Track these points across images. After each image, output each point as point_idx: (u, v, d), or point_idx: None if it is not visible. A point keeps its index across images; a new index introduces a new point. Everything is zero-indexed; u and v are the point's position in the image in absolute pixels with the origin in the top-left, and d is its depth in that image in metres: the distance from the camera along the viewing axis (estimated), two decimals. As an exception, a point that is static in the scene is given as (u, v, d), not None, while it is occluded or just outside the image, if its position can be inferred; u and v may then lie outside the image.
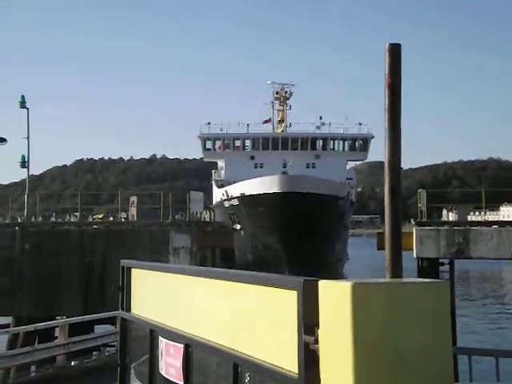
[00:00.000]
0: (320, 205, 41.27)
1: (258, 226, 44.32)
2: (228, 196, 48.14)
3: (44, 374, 17.02)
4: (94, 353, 19.83)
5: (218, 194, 54.58)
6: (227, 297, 3.97)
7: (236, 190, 47.13)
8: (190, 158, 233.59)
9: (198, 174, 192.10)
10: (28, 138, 33.37)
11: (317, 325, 2.94)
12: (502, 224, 24.13)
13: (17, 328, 23.03)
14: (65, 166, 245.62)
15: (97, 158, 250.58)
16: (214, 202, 58.05)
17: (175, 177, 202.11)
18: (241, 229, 46.19)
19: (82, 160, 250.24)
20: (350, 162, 62.79)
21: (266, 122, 64.35)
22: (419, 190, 27.58)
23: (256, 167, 58.82)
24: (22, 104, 33.88)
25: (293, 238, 40.87)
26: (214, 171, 63.70)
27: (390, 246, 4.17)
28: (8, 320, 26.34)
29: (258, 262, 42.10)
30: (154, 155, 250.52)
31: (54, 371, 17.11)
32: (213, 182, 62.80)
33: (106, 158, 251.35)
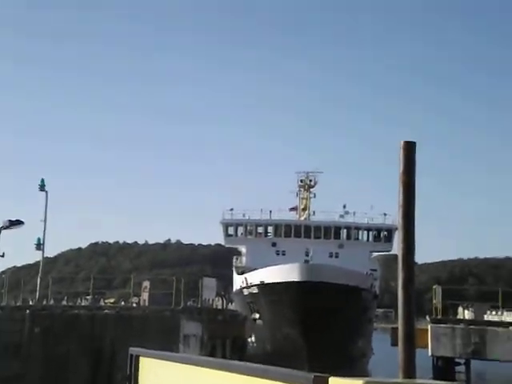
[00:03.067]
0: (341, 296, 40.26)
1: (276, 316, 43.20)
2: (247, 283, 47.34)
3: None
4: None
5: (238, 281, 53.84)
6: (236, 390, 3.90)
7: (255, 277, 46.31)
8: (205, 243, 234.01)
9: (211, 260, 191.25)
10: (45, 221, 33.78)
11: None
12: (520, 324, 23.55)
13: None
14: (79, 248, 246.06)
15: (111, 242, 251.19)
16: (234, 289, 57.27)
17: (189, 262, 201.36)
18: (260, 318, 45.17)
19: (96, 243, 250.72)
20: (374, 253, 61.63)
21: (292, 209, 64.40)
22: (434, 286, 27.19)
23: (278, 254, 58.15)
24: (42, 187, 34.53)
25: (312, 330, 39.63)
26: (235, 257, 63.14)
27: (403, 343, 4.12)
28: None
29: (277, 353, 40.80)
30: (169, 240, 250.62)
31: None
32: (233, 269, 62.17)
33: (121, 241, 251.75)
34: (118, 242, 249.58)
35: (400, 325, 3.75)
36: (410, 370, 3.98)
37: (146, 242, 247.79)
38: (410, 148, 4.33)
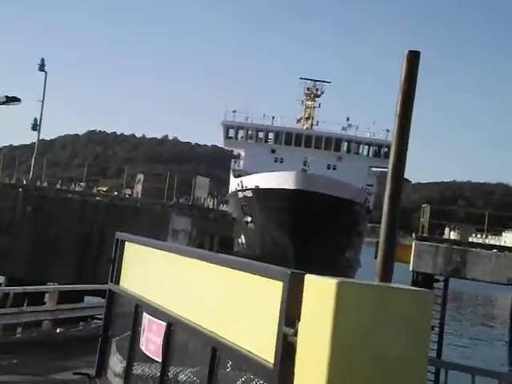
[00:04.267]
0: (333, 207, 40.77)
1: (268, 221, 43.80)
2: (242, 187, 47.65)
3: (28, 336, 17.11)
4: (81, 323, 19.90)
5: (233, 184, 54.15)
6: (214, 280, 3.98)
7: (251, 181, 46.52)
8: (202, 143, 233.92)
9: (207, 161, 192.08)
10: (43, 102, 33.53)
11: (298, 318, 2.95)
12: (502, 249, 24.04)
13: (6, 288, 23.17)
14: (77, 135, 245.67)
15: (109, 132, 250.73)
16: (229, 191, 57.71)
17: (184, 160, 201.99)
18: (251, 221, 45.83)
19: (94, 131, 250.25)
20: (373, 169, 61.50)
21: (299, 120, 63.67)
22: (423, 205, 27.48)
23: (276, 161, 58.04)
24: (41, 67, 33.98)
25: (302, 237, 40.41)
26: (233, 160, 62.98)
27: (382, 251, 4.17)
28: (1, 280, 26.52)
29: (265, 257, 41.81)
30: (166, 136, 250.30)
31: (38, 336, 17.19)
32: (231, 172, 62.27)
33: (118, 132, 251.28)
34: (115, 133, 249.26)
35: (382, 231, 3.77)
36: (385, 277, 4.04)
37: (144, 135, 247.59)
38: (413, 57, 4.21)
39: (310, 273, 3.00)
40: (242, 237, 47.31)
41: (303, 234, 40.19)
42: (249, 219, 45.92)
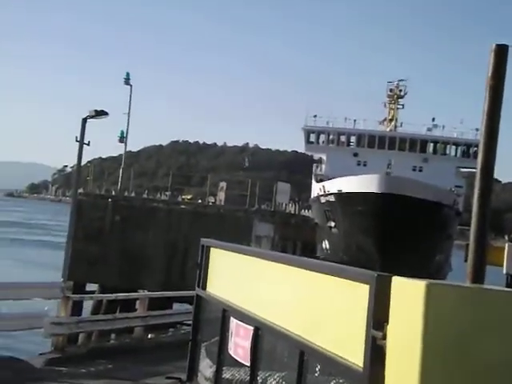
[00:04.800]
0: (420, 210, 39.66)
1: (352, 226, 43.04)
2: (325, 191, 47.17)
3: (122, 342, 17.65)
4: (171, 329, 20.35)
5: (315, 189, 53.86)
6: (300, 284, 3.97)
7: (334, 186, 45.87)
8: (282, 149, 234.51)
9: (288, 167, 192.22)
10: (129, 114, 34.64)
11: (386, 320, 2.90)
12: None
13: (100, 295, 24.03)
14: (161, 145, 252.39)
15: (191, 141, 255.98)
16: (312, 196, 57.52)
17: (265, 167, 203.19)
18: (335, 226, 45.35)
19: (177, 142, 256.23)
20: (461, 170, 59.42)
21: (382, 122, 62.88)
22: (515, 205, 26.38)
23: (359, 165, 57.09)
24: (127, 81, 35.16)
25: (388, 242, 39.55)
26: (315, 165, 62.68)
27: (473, 253, 4.04)
28: (95, 287, 27.54)
29: (350, 263, 41.08)
30: (247, 143, 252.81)
31: (131, 341, 17.72)
32: (313, 177, 62.03)
33: (201, 141, 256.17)
34: (197, 142, 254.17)
35: (472, 232, 3.66)
36: (477, 279, 3.91)
37: (225, 143, 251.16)
38: (501, 51, 4.06)
39: (398, 275, 2.94)
40: (326, 242, 46.93)
41: (389, 239, 39.29)
42: (332, 224, 45.39)
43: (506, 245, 22.50)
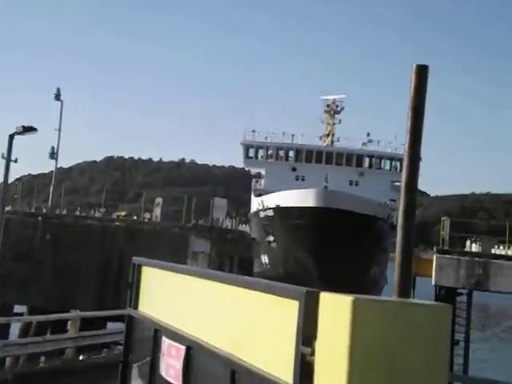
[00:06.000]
0: (355, 224, 40.30)
1: (290, 239, 43.41)
2: (264, 206, 47.40)
3: (52, 365, 17.14)
4: (105, 349, 19.90)
5: (254, 204, 53.96)
6: (231, 301, 3.96)
7: (272, 200, 46.18)
8: (219, 164, 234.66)
9: (225, 182, 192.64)
10: (59, 130, 33.94)
11: (315, 337, 2.92)
12: (526, 259, 23.71)
13: (29, 317, 23.29)
14: (94, 161, 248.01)
15: (127, 157, 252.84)
16: (251, 211, 57.53)
17: (202, 182, 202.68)
18: (274, 241, 45.52)
19: (111, 157, 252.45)
20: (395, 183, 60.97)
21: (322, 137, 63.66)
22: (443, 218, 27.28)
23: (297, 179, 57.72)
24: (57, 96, 34.48)
25: (324, 255, 39.91)
26: (254, 180, 62.88)
27: (399, 267, 4.14)
28: (23, 309, 26.64)
29: (289, 276, 41.39)
30: (183, 159, 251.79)
31: (61, 364, 17.23)
32: (252, 192, 62.08)
33: (136, 157, 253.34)
34: (132, 158, 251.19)
35: (398, 246, 3.74)
36: (404, 292, 4.00)
37: (161, 159, 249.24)
38: (422, 71, 4.21)
39: (330, 291, 2.97)
40: (266, 257, 47.06)
41: (325, 252, 39.80)
42: (271, 238, 45.64)
43: (434, 256, 23.23)
